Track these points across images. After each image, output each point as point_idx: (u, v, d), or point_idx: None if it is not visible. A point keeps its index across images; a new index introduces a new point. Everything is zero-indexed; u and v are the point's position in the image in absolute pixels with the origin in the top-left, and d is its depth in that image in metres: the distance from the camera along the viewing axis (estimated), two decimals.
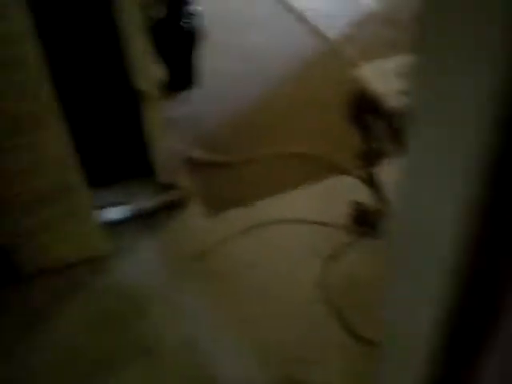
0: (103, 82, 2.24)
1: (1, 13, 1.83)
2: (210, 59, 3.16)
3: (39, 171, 2.06)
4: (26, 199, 2.10)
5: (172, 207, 2.46)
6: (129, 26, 2.08)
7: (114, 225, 2.38)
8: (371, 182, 2.26)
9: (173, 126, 2.41)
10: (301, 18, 3.76)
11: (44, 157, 2.04)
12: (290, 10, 3.87)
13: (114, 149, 2.39)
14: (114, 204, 2.39)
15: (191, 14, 2.99)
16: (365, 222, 2.31)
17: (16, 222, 2.15)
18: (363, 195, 2.34)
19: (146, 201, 2.43)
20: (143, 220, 2.44)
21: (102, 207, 2.34)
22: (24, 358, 2.03)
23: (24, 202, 2.10)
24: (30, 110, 1.95)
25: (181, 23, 2.93)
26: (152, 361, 1.99)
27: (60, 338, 2.09)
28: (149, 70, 2.18)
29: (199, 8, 3.04)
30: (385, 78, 2.02)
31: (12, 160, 2.01)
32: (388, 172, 2.25)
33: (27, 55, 1.89)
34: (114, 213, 2.39)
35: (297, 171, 2.64)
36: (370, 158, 2.19)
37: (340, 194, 2.48)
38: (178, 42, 2.92)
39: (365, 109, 2.03)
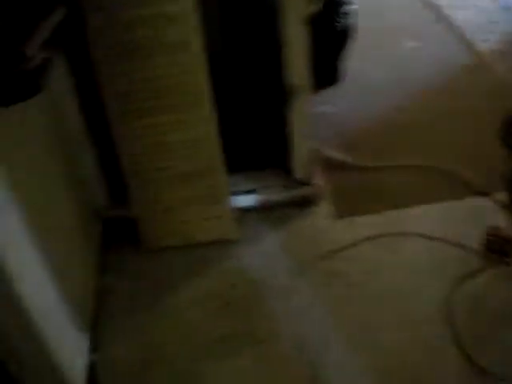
0: (256, 70, 2.27)
1: None
2: (356, 60, 3.13)
3: (187, 149, 2.13)
4: (170, 175, 2.17)
5: (302, 203, 2.46)
6: (290, 18, 2.09)
7: (243, 212, 2.42)
8: None
9: (311, 123, 2.40)
10: (452, 28, 3.65)
11: (193, 136, 2.10)
12: (442, 18, 3.77)
13: (255, 137, 2.42)
14: (245, 191, 2.43)
15: (345, 13, 2.97)
16: (499, 249, 2.21)
17: (155, 195, 2.23)
18: (501, 221, 2.24)
19: (278, 193, 2.45)
20: (272, 212, 2.46)
21: (235, 193, 2.37)
22: (144, 325, 2.12)
23: (168, 177, 2.17)
24: (189, 89, 2.01)
25: (334, 21, 2.92)
26: (262, 353, 2.00)
27: (179, 311, 2.15)
28: (302, 64, 2.17)
29: (354, 7, 3.02)
30: None
31: (165, 135, 2.09)
32: None
33: (191, 37, 1.94)
34: (245, 200, 2.42)
35: (432, 185, 2.56)
36: None
37: (476, 215, 2.37)
38: (329, 39, 2.91)
39: None
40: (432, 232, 2.33)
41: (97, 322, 2.10)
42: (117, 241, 2.38)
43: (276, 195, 2.45)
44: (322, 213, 2.46)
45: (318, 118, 2.72)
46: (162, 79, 2.00)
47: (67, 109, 2.10)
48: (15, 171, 1.52)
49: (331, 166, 2.63)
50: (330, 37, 2.94)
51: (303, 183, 2.44)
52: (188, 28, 1.94)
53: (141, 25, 1.94)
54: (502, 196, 2.24)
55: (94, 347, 2.01)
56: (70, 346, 1.82)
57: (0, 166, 1.44)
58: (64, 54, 1.98)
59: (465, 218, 2.39)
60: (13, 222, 1.50)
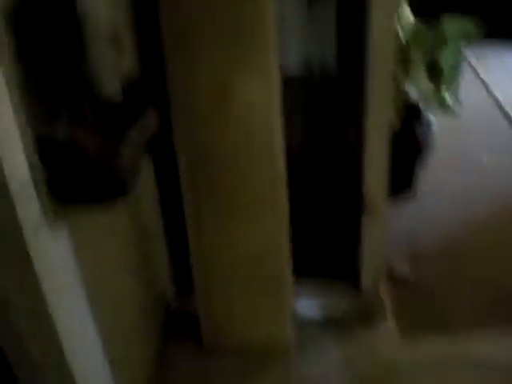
0: (333, 177, 2.29)
1: None
2: (432, 171, 3.12)
3: (257, 254, 2.13)
4: (236, 277, 2.18)
5: (366, 317, 2.40)
6: (373, 132, 2.11)
7: (305, 319, 2.38)
8: None
9: (384, 235, 2.37)
10: None
11: (264, 241, 2.11)
12: None
13: (324, 243, 2.40)
14: (310, 299, 2.39)
15: (423, 124, 2.98)
16: None
17: (220, 296, 2.24)
18: None
19: (342, 304, 2.40)
20: (334, 322, 2.40)
21: (299, 300, 2.34)
22: None
23: (234, 279, 2.18)
24: (267, 198, 2.03)
25: (413, 131, 2.93)
26: None
27: None
28: (382, 178, 2.17)
29: (432, 119, 3.02)
30: None
31: (236, 239, 2.11)
32: None
33: (274, 151, 1.96)
34: (309, 308, 2.39)
35: (498, 311, 2.47)
36: None
37: None
38: (406, 149, 2.91)
39: None
40: (496, 362, 2.24)
41: None
42: (178, 334, 2.37)
43: (340, 306, 2.40)
44: (385, 328, 2.40)
45: (389, 229, 2.69)
46: (242, 187, 2.03)
47: (147, 202, 2.14)
48: (88, 260, 1.55)
49: (399, 281, 2.58)
50: (408, 147, 2.94)
51: (369, 296, 2.39)
52: (271, 138, 1.97)
53: (224, 133, 1.98)
54: None
55: None
56: None
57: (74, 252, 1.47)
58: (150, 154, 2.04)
59: None
60: (79, 304, 1.52)
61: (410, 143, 2.95)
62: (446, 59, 2.81)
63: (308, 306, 2.40)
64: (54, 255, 1.40)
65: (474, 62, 4.71)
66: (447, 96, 2.88)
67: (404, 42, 2.83)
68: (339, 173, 2.28)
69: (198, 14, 1.83)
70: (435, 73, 2.84)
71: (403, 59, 2.80)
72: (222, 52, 1.85)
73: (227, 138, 1.98)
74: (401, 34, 2.79)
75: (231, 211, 2.06)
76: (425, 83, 2.85)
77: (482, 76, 4.58)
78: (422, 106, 2.96)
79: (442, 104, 2.89)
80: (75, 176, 1.40)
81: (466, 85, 3.18)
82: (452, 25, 2.84)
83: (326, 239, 2.40)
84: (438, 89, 2.86)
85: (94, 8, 1.48)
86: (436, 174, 3.24)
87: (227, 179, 2.02)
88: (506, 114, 4.02)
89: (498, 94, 4.28)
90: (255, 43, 1.87)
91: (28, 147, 1.31)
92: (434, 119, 3.03)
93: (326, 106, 2.23)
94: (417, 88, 2.88)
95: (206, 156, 2.02)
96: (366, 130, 2.11)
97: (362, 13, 2.01)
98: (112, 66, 1.54)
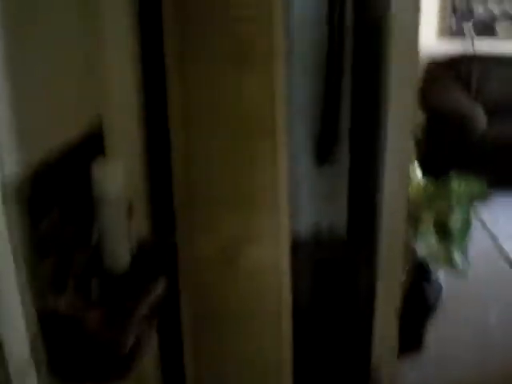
0: (339, 342, 2.22)
1: None
2: (440, 327, 3.07)
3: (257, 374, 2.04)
4: None
5: None
6: (383, 299, 2.08)
7: None
8: None
9: None
10: None
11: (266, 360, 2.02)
12: None
13: None
14: None
15: (432, 282, 2.95)
16: None
17: None
18: None
19: None
20: None
21: None
22: None
23: None
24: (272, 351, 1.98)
25: (421, 290, 2.89)
26: None
27: None
28: (391, 335, 2.11)
29: (441, 276, 3.00)
30: None
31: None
32: None
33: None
34: None
35: None
36: None
37: None
38: (414, 308, 2.87)
39: None
40: None
41: None
42: None
43: None
44: None
45: None
46: (246, 345, 1.98)
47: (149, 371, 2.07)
48: None
49: None
50: (416, 305, 2.90)
51: None
52: (279, 298, 1.94)
53: (230, 292, 1.96)
54: None
55: None
56: None
57: None
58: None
59: None
60: None
61: (418, 302, 2.91)
62: (455, 221, 2.83)
63: None
64: None
65: (482, 214, 4.72)
66: (456, 256, 2.87)
67: (413, 200, 2.85)
68: (347, 338, 2.23)
69: (208, 179, 1.87)
70: (444, 233, 2.85)
71: (412, 217, 2.81)
72: (229, 220, 1.87)
73: (233, 296, 1.96)
74: (410, 192, 2.82)
75: (234, 370, 2.00)
76: (434, 243, 2.85)
77: (491, 228, 4.57)
78: (430, 264, 2.94)
79: (451, 264, 2.87)
80: (77, 354, 1.36)
81: (474, 237, 3.17)
82: (460, 187, 2.87)
83: None
84: (446, 249, 2.86)
85: (110, 179, 1.49)
86: (443, 330, 3.15)
87: (232, 339, 1.98)
88: None
89: (507, 247, 4.26)
90: (266, 208, 1.89)
91: (30, 324, 1.28)
92: (443, 277, 3.01)
93: (334, 268, 2.21)
94: (425, 247, 2.88)
95: (211, 313, 1.98)
96: (376, 296, 2.08)
97: (373, 173, 2.03)
98: (123, 236, 1.53)
